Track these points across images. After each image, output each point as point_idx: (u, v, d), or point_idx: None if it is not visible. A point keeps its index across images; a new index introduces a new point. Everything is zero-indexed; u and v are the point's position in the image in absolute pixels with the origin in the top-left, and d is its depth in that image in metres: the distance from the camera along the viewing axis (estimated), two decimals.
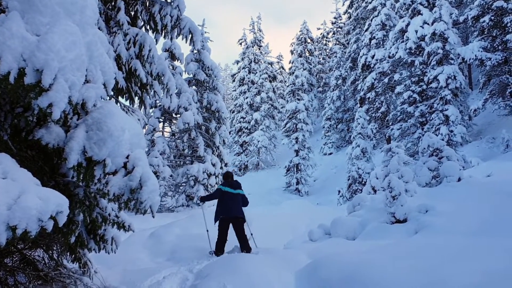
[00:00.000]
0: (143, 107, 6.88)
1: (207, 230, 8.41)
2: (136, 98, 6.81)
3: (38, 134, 3.09)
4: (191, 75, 16.29)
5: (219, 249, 7.83)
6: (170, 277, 6.16)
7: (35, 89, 2.29)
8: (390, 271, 4.94)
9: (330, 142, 38.12)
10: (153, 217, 3.35)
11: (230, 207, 7.82)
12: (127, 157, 3.30)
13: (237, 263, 5.99)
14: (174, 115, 15.26)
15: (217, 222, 8.04)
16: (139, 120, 6.73)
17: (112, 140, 3.09)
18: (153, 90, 6.75)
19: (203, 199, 8.46)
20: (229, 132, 43.06)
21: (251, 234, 8.54)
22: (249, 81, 43.54)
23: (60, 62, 2.34)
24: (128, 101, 6.92)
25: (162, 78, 6.63)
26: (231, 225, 7.97)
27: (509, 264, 4.10)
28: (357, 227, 9.34)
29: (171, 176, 14.45)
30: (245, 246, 7.80)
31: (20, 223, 2.20)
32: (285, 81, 53.24)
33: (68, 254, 5.97)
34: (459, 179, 9.87)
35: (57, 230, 3.46)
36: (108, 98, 3.89)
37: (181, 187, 15.85)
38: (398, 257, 5.65)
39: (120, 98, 6.61)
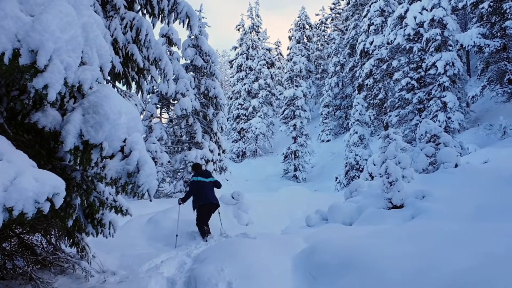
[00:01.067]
0: (140, 92, 6.84)
1: (178, 218, 8.89)
2: (133, 83, 6.77)
3: (34, 118, 3.07)
4: (189, 61, 16.18)
5: (205, 231, 8.48)
6: (168, 261, 6.22)
7: (30, 70, 2.26)
8: (386, 255, 4.98)
9: (328, 129, 38.12)
10: (151, 201, 3.36)
11: (206, 195, 8.53)
12: (124, 141, 3.29)
13: (235, 248, 6.03)
14: (171, 101, 15.19)
15: (196, 209, 8.66)
16: (136, 105, 6.69)
17: (109, 123, 3.07)
18: (150, 75, 6.71)
19: (184, 200, 8.79)
20: (227, 119, 43.00)
21: (219, 213, 9.23)
22: (247, 67, 43.33)
23: (55, 43, 2.31)
24: (125, 86, 6.88)
25: (159, 63, 6.59)
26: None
27: (505, 247, 4.13)
28: (354, 212, 9.39)
29: (169, 162, 14.45)
30: (208, 229, 8.58)
31: (16, 204, 2.19)
32: (283, 68, 52.99)
33: (66, 238, 6.00)
34: (456, 165, 9.90)
35: (54, 213, 3.47)
36: (105, 82, 3.86)
37: (179, 173, 15.85)
38: (393, 242, 5.69)
39: (117, 83, 6.57)
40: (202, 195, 8.52)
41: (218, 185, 9.13)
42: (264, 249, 6.19)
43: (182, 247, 7.64)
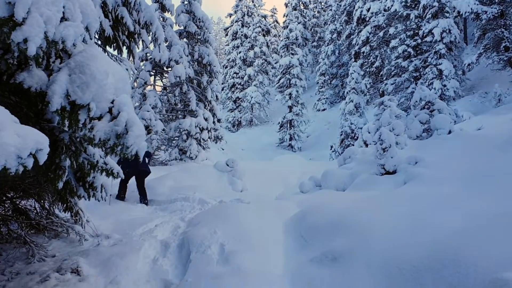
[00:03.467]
0: (131, 57, 6.71)
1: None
2: (124, 47, 6.63)
3: (19, 78, 3.01)
4: (182, 27, 15.84)
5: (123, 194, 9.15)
6: (162, 225, 6.29)
7: (8, 24, 2.19)
8: (376, 218, 5.05)
9: (324, 98, 37.90)
10: (140, 162, 3.34)
11: (137, 163, 8.75)
12: (112, 102, 3.24)
13: (228, 212, 6.09)
14: (165, 68, 14.97)
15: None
16: (127, 69, 6.60)
17: (96, 83, 3.02)
18: (141, 40, 6.57)
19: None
20: (222, 89, 42.66)
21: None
22: (242, 35, 42.63)
23: None
24: (116, 51, 6.76)
25: (150, 27, 6.44)
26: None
27: (495, 210, 4.18)
28: (347, 179, 9.46)
29: (163, 130, 14.38)
30: (145, 197, 9.09)
31: None
32: (279, 36, 52.17)
33: (60, 204, 6.03)
34: (450, 132, 9.93)
35: (44, 175, 3.46)
36: (93, 43, 3.78)
37: (173, 141, 15.82)
38: (384, 205, 5.76)
39: (108, 48, 6.44)
40: (133, 164, 8.80)
41: (148, 154, 9.80)
42: (257, 213, 6.26)
43: (177, 212, 7.70)
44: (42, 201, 6.16)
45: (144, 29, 6.54)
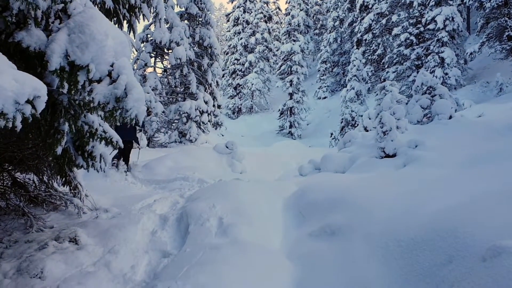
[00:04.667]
0: (132, 31, 6.65)
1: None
2: (125, 22, 6.56)
3: (18, 36, 2.97)
4: (183, 9, 15.68)
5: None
6: (161, 200, 6.29)
7: None
8: (374, 195, 5.05)
9: (325, 86, 37.69)
10: (139, 125, 3.32)
11: (125, 133, 8.99)
12: (111, 65, 3.21)
13: (227, 188, 6.09)
14: (165, 50, 14.87)
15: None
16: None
17: (95, 44, 2.99)
18: (141, 14, 6.50)
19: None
20: (223, 75, 42.44)
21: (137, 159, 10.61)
22: (244, 21, 42.27)
23: None
24: (116, 25, 6.71)
25: (151, 1, 6.38)
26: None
27: (493, 187, 4.17)
28: (347, 162, 9.44)
29: (163, 112, 14.34)
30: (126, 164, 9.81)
31: None
32: (281, 23, 51.73)
33: (59, 178, 6.03)
34: (450, 117, 9.89)
35: (42, 140, 3.44)
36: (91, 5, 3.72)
37: (173, 124, 15.78)
38: (383, 184, 5.76)
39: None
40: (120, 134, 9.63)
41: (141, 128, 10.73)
42: (256, 190, 6.26)
43: (176, 190, 7.70)
44: (40, 175, 6.15)
45: (145, 3, 6.48)
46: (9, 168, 5.69)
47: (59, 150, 3.56)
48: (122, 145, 4.12)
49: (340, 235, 4.39)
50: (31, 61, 3.25)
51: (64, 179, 5.94)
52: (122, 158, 9.67)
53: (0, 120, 1.97)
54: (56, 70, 2.90)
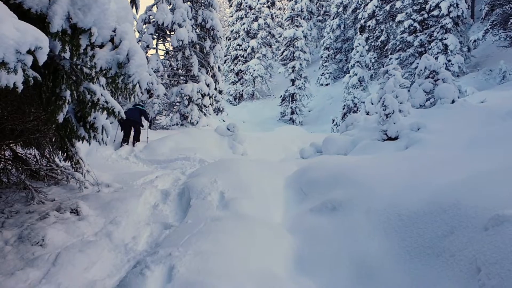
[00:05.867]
0: (134, 7, 6.58)
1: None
2: None
3: None
4: None
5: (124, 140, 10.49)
6: (163, 176, 6.29)
7: None
8: (376, 173, 5.03)
9: (328, 73, 37.45)
10: (142, 93, 3.29)
11: (129, 115, 10.33)
12: (114, 31, 3.17)
13: (229, 165, 6.08)
14: (168, 32, 14.74)
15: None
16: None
17: (98, 6, 2.94)
18: None
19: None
20: (225, 61, 42.16)
21: (147, 138, 11.10)
22: (246, 6, 41.83)
23: None
24: None
25: None
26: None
27: (495, 165, 4.15)
28: (349, 144, 9.43)
29: (165, 95, 14.28)
30: (135, 140, 10.62)
31: None
32: (284, 9, 51.23)
33: (60, 153, 6.02)
34: (453, 102, 9.84)
35: (44, 108, 3.41)
36: None
37: (175, 107, 15.72)
38: (385, 163, 5.75)
39: None
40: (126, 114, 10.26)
41: (144, 113, 11.02)
42: (258, 169, 6.25)
43: (178, 169, 7.70)
44: (42, 150, 6.15)
45: None
46: (10, 142, 5.68)
47: (60, 117, 3.54)
48: (123, 116, 4.09)
49: (341, 210, 4.38)
50: (33, 24, 3.21)
51: (65, 154, 5.93)
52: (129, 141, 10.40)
53: (2, 75, 1.94)
54: (58, 32, 2.86)
